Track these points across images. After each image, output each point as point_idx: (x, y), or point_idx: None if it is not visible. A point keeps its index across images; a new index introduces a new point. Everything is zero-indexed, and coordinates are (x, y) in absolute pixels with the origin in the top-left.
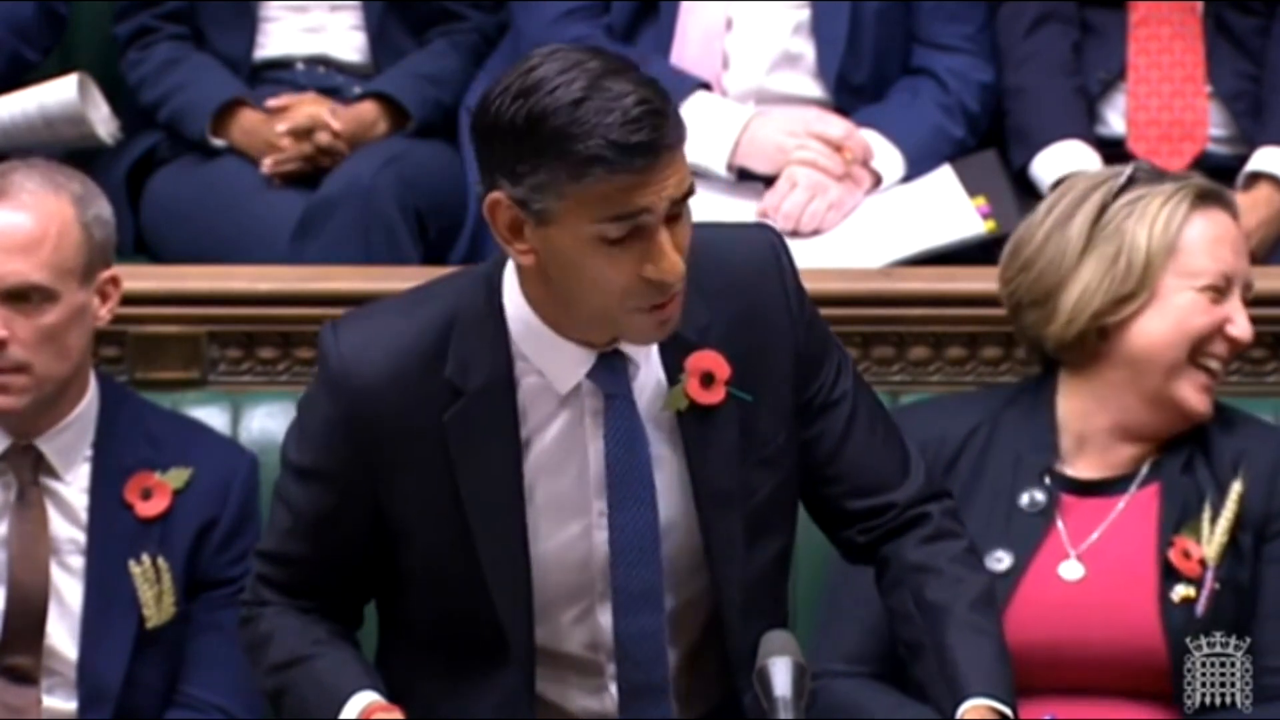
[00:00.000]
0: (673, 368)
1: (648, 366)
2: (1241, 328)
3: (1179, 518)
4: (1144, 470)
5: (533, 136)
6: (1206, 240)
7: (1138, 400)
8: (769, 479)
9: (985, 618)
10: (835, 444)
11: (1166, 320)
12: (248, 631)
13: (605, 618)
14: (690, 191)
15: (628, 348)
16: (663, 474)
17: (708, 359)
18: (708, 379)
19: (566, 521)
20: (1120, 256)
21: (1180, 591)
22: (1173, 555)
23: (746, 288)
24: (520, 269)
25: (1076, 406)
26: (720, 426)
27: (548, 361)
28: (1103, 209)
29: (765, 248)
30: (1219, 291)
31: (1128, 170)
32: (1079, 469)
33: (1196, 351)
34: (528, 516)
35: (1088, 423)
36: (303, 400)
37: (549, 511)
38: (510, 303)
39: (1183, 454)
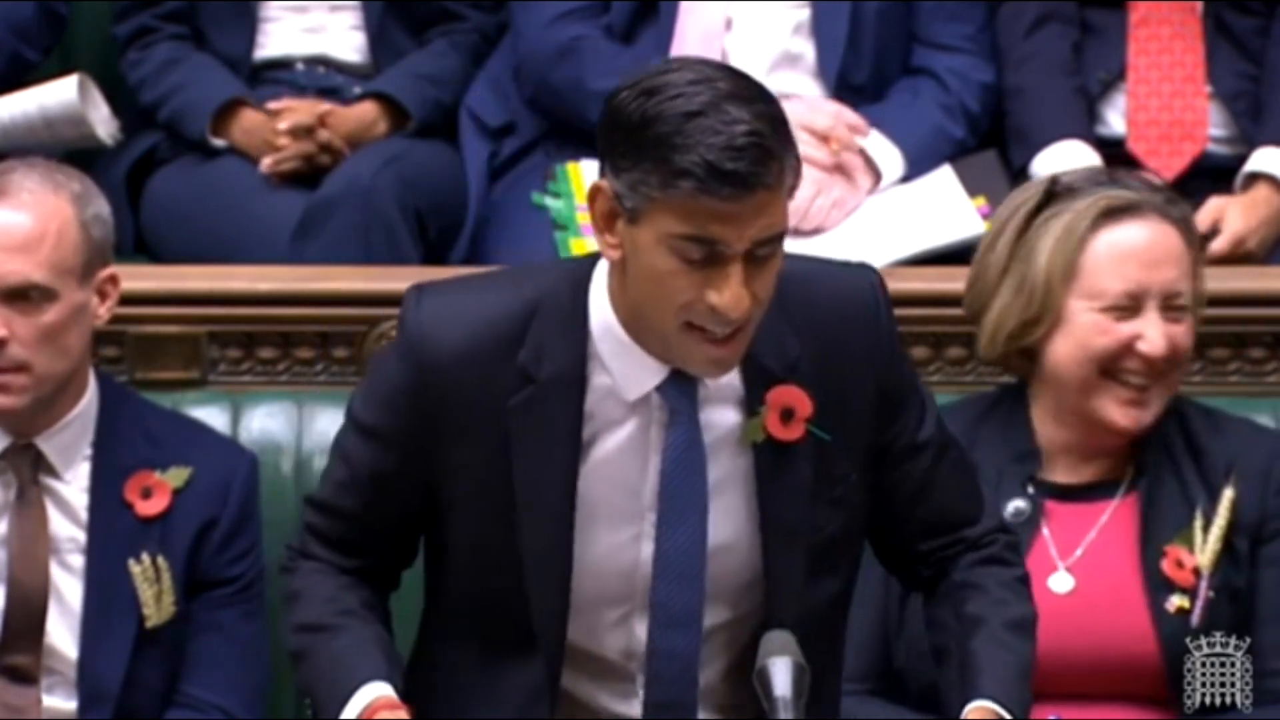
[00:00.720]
0: (754, 399)
1: (724, 392)
2: (1152, 343)
3: (1169, 526)
4: (1128, 475)
5: (640, 135)
6: (1110, 258)
7: (1072, 416)
8: (837, 517)
9: (1018, 640)
10: (916, 490)
11: (1070, 342)
12: (283, 580)
13: (643, 629)
14: (779, 236)
15: None
16: (728, 499)
17: (791, 394)
18: (788, 414)
19: (616, 528)
20: (1027, 280)
21: (1175, 602)
22: (1165, 566)
23: (840, 327)
24: (610, 266)
25: (1041, 416)
26: (795, 463)
27: (621, 366)
28: (1024, 227)
29: (865, 289)
30: (1125, 309)
31: (1045, 184)
32: (1060, 474)
33: (1109, 370)
34: (577, 516)
35: (1053, 433)
36: (376, 358)
37: (600, 515)
38: (595, 302)
39: (1169, 459)
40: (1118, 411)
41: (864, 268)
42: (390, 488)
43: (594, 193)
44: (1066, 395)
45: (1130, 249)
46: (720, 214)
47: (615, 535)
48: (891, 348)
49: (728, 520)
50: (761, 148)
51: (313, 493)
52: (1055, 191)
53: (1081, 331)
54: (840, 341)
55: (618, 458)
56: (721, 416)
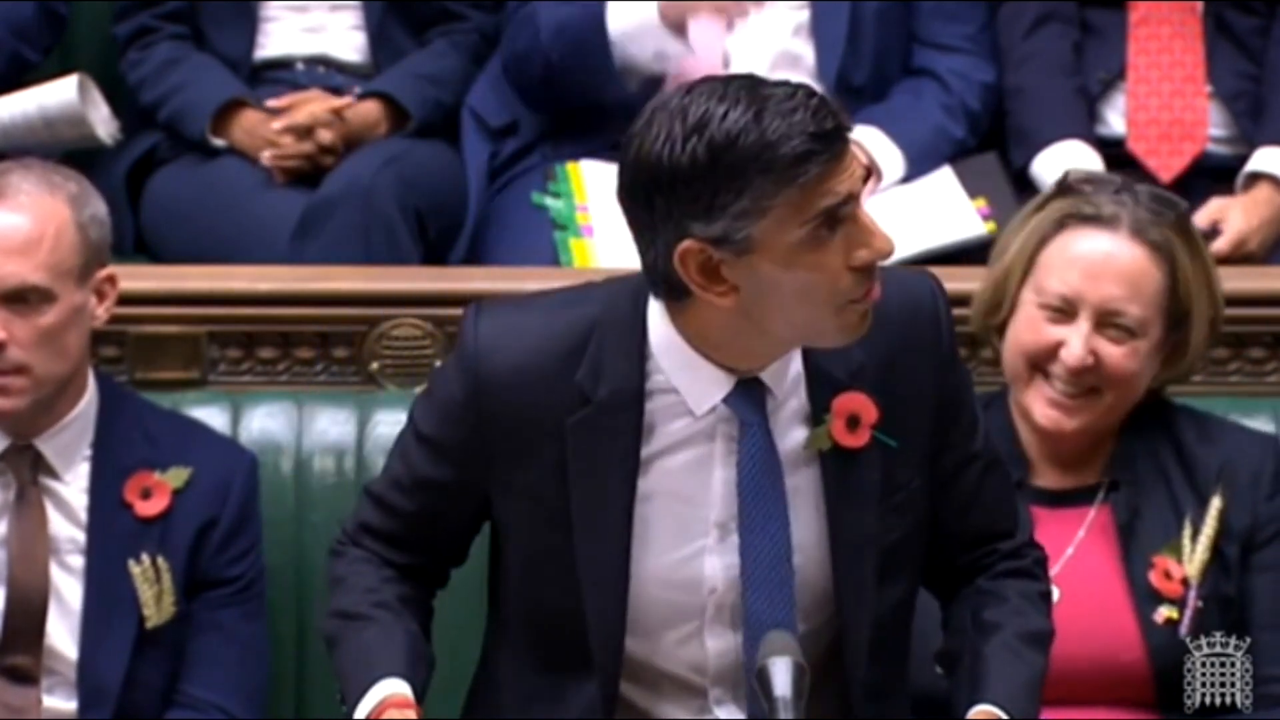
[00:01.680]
0: (819, 406)
1: (789, 399)
2: (1070, 351)
3: (1156, 536)
4: (1106, 482)
5: (722, 165)
6: (1061, 259)
7: (1021, 412)
8: (901, 524)
9: (1032, 651)
10: (965, 503)
11: (1014, 331)
12: (330, 563)
13: (714, 642)
14: (868, 172)
15: (770, 378)
16: (799, 511)
17: (855, 401)
18: (853, 421)
19: (679, 543)
20: (1000, 264)
21: (1163, 613)
22: (1153, 577)
23: (902, 333)
24: (688, 305)
25: (1018, 416)
26: (862, 470)
27: (686, 381)
28: (1031, 215)
29: (926, 295)
30: (1060, 312)
31: (1061, 179)
32: (1044, 479)
33: (1036, 367)
34: (637, 532)
35: (1028, 435)
36: (437, 370)
37: (662, 530)
38: (655, 319)
39: (1157, 468)
40: (1040, 409)
41: (924, 274)
42: (443, 495)
43: (683, 257)
44: (1012, 385)
45: (1079, 255)
46: (835, 173)
47: (676, 552)
48: (951, 355)
49: (801, 532)
50: (823, 99)
51: (370, 483)
52: (1065, 186)
53: (1022, 322)
54: (903, 348)
55: (679, 474)
56: (788, 428)
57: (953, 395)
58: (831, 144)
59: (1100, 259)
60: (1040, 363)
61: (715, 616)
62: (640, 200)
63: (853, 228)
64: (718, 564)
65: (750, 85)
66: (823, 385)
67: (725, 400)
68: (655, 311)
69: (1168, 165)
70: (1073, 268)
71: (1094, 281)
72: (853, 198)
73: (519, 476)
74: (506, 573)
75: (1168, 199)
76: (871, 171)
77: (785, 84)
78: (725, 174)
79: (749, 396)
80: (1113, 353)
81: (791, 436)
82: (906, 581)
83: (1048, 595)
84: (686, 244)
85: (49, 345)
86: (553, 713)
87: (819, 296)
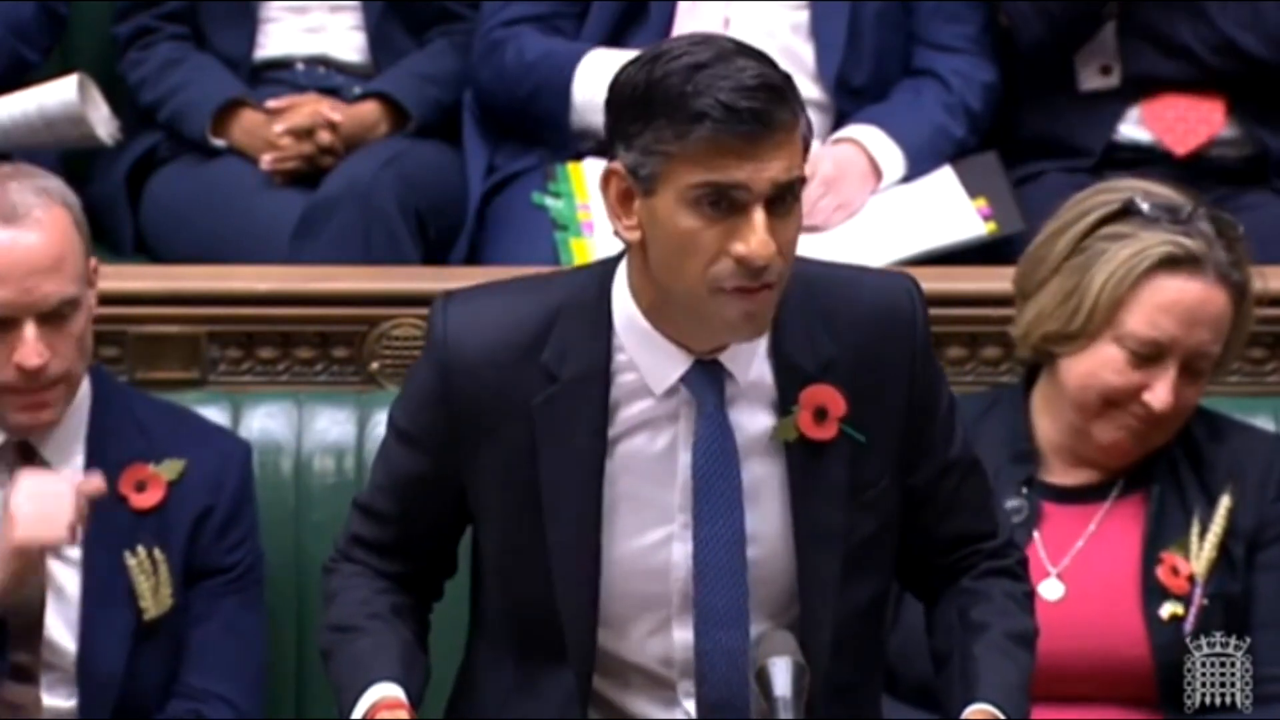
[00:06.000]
0: (787, 398)
1: (757, 392)
2: (1158, 398)
3: (1166, 533)
4: (1121, 480)
5: (649, 95)
6: (1152, 304)
7: (1067, 425)
8: (871, 521)
9: (1020, 650)
10: (943, 509)
11: (1087, 366)
12: (323, 580)
13: (681, 634)
14: (799, 182)
15: (730, 361)
16: (763, 503)
17: (824, 394)
18: (821, 414)
19: (647, 528)
20: (1074, 295)
21: (1168, 609)
22: (1161, 573)
23: (876, 331)
24: (629, 253)
25: (1043, 416)
26: (828, 463)
27: (646, 358)
28: (1088, 233)
29: (903, 295)
30: (1145, 358)
31: (1121, 198)
32: (1055, 475)
33: (1111, 405)
34: (605, 516)
35: (1050, 431)
36: (412, 365)
37: (629, 515)
38: (618, 296)
39: (1169, 467)
40: (1110, 436)
41: (902, 276)
42: (424, 491)
43: (607, 178)
44: (1071, 409)
45: (1174, 302)
46: (739, 154)
47: (645, 536)
48: (926, 356)
49: (764, 525)
50: (772, 88)
51: (357, 494)
52: (1131, 210)
53: (1100, 360)
54: (876, 346)
55: (646, 456)
56: (754, 418)
57: (925, 396)
58: (735, 121)
59: (1195, 306)
60: (1121, 403)
61: (682, 606)
62: (605, 112)
63: (742, 220)
64: (685, 551)
65: (730, 48)
66: (791, 377)
67: (683, 380)
68: (620, 290)
69: (1183, 141)
70: (1168, 314)
71: (1188, 329)
72: (743, 187)
73: (491, 460)
74: (484, 570)
75: (1226, 220)
76: (805, 180)
77: (764, 61)
78: (641, 105)
79: (708, 378)
80: (1190, 393)
81: (756, 425)
82: (875, 581)
83: (1031, 595)
84: (611, 165)
85: (81, 349)
86: (529, 704)
87: (693, 268)
